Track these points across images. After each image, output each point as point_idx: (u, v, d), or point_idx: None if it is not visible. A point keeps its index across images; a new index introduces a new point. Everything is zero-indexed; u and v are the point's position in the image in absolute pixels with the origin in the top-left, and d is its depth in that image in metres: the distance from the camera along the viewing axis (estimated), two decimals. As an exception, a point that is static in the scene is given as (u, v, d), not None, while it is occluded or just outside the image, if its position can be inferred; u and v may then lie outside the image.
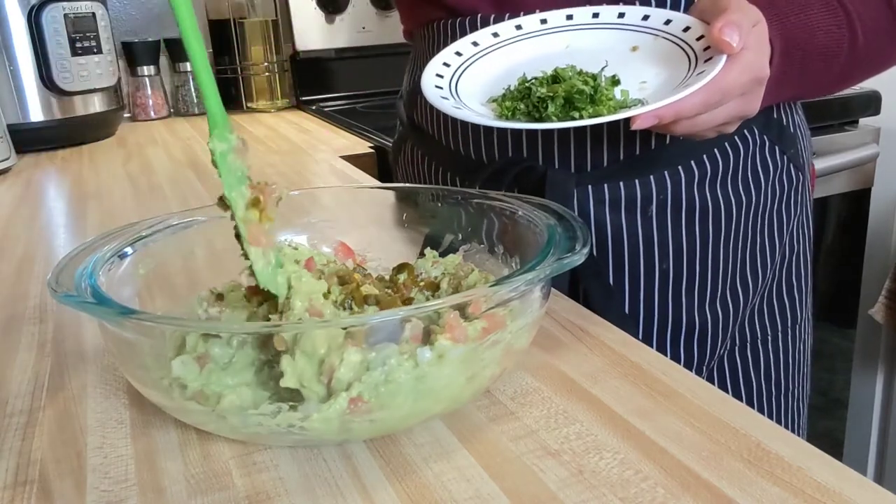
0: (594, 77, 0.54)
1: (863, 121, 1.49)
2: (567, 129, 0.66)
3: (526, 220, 0.50)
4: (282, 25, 1.72)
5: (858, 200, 1.53)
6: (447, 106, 0.53)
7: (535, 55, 0.59)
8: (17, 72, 1.31)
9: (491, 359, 0.41)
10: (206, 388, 0.40)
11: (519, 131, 0.68)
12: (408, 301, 0.50)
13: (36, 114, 1.34)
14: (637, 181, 0.68)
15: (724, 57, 0.51)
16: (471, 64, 0.59)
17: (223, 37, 1.71)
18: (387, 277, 0.53)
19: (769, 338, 0.78)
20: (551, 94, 0.53)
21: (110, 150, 1.37)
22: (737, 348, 0.76)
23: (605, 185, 0.68)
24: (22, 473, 0.41)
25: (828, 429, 1.69)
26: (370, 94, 1.78)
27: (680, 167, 0.68)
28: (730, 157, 0.69)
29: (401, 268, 0.52)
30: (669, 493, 0.36)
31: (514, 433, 0.42)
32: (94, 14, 1.37)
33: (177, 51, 1.70)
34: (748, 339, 0.77)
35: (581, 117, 0.52)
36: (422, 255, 0.55)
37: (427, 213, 0.58)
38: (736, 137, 0.69)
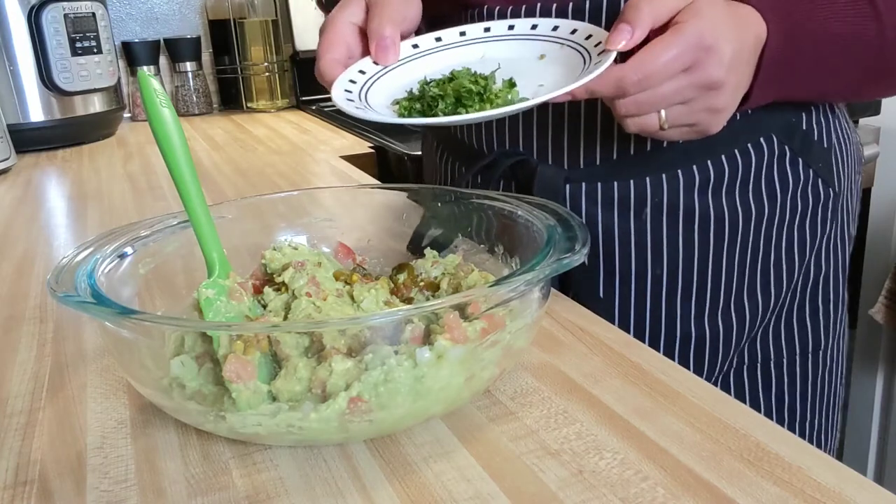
0: (485, 78, 0.56)
1: (863, 121, 1.49)
2: (560, 125, 0.67)
3: (526, 220, 0.50)
4: (282, 25, 1.72)
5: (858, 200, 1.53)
6: (350, 107, 0.55)
7: (450, 64, 0.61)
8: (17, 72, 1.31)
9: (490, 359, 0.41)
10: (204, 388, 0.40)
11: (516, 125, 0.69)
12: (408, 301, 0.50)
13: (36, 114, 1.34)
14: (632, 182, 0.66)
15: (612, 55, 0.52)
16: (389, 71, 0.60)
17: (223, 37, 1.71)
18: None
19: (785, 361, 0.73)
20: (441, 94, 0.55)
21: (110, 150, 1.37)
22: (745, 367, 0.72)
23: (599, 185, 0.67)
24: (22, 473, 0.41)
25: (828, 429, 1.69)
26: (370, 94, 1.78)
27: (680, 171, 0.66)
28: (738, 165, 0.66)
29: (401, 268, 0.52)
30: (669, 493, 0.36)
31: (514, 433, 0.42)
32: (94, 14, 1.37)
33: (177, 51, 1.70)
34: (759, 358, 0.72)
35: (467, 112, 0.54)
36: (415, 252, 0.55)
37: (427, 213, 0.58)
38: (749, 145, 0.65)
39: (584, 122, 0.66)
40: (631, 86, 0.50)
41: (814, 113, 0.68)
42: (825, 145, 0.69)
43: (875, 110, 1.47)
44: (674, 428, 0.41)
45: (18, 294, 0.67)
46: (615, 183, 0.67)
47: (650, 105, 0.52)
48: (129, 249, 0.49)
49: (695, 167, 0.66)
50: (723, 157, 0.65)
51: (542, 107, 0.67)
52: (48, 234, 0.87)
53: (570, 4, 0.63)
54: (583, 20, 0.61)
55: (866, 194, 1.53)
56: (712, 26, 0.50)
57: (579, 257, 0.42)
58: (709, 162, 0.66)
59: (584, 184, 0.68)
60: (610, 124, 0.65)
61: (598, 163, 0.67)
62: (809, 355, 0.73)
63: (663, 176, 0.66)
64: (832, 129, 0.70)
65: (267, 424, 0.38)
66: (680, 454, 0.39)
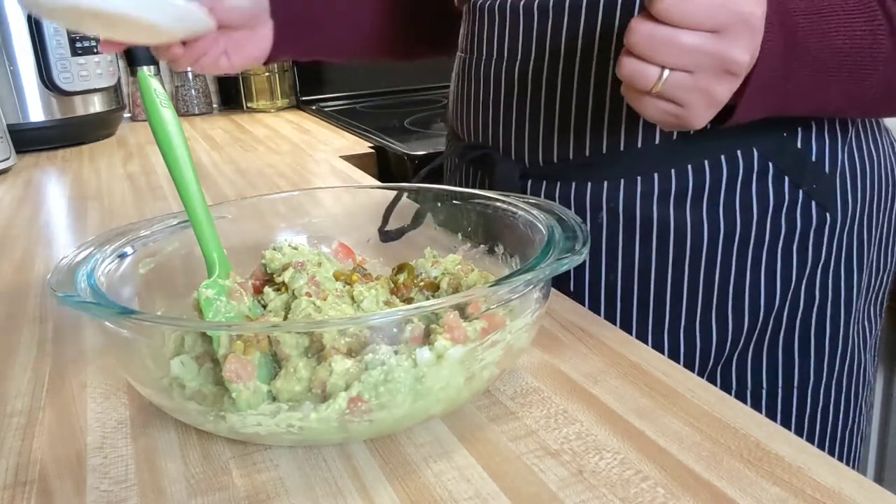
0: None
1: (863, 121, 1.49)
2: (522, 120, 0.67)
3: (526, 220, 0.50)
4: (282, 25, 1.72)
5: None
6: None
7: None
8: (17, 72, 1.31)
9: (490, 359, 0.41)
10: (204, 388, 0.40)
11: (486, 118, 0.70)
12: (408, 301, 0.50)
13: (36, 114, 1.34)
14: (589, 184, 0.64)
15: None
16: None
17: (223, 37, 1.71)
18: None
19: (763, 391, 0.68)
20: None
21: (110, 150, 1.37)
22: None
23: (558, 184, 0.66)
24: (22, 473, 0.41)
25: (828, 429, 1.69)
26: (370, 94, 1.78)
27: (639, 177, 0.63)
28: (705, 177, 0.61)
29: (401, 268, 0.52)
30: (669, 493, 0.36)
31: (514, 433, 0.42)
32: (94, 14, 1.37)
33: (177, 51, 1.70)
34: (734, 386, 0.68)
35: None
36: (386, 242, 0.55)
37: (427, 213, 0.58)
38: (722, 157, 0.61)
39: (544, 117, 0.65)
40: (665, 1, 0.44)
41: (814, 130, 0.62)
42: (827, 168, 0.63)
43: (875, 110, 1.47)
44: (674, 428, 0.41)
45: (18, 294, 0.67)
46: (573, 184, 0.66)
47: (661, 50, 0.45)
48: (129, 249, 0.49)
49: (656, 175, 0.62)
50: (689, 167, 0.61)
51: (508, 100, 0.67)
52: (48, 234, 0.87)
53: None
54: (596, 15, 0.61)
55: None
56: (755, 3, 0.46)
57: (579, 257, 0.42)
58: (672, 171, 0.62)
59: (544, 182, 0.67)
60: (567, 122, 0.64)
61: (555, 161, 0.66)
62: (794, 391, 0.68)
63: (622, 181, 0.63)
64: (839, 150, 0.63)
65: (267, 424, 0.38)
66: (680, 454, 0.39)
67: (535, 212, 0.49)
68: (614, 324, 0.65)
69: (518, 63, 0.66)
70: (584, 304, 0.67)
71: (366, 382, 0.38)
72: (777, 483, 0.36)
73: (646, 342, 0.65)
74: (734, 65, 0.46)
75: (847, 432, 0.72)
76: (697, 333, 0.66)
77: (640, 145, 0.62)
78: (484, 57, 0.70)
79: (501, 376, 0.45)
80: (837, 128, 0.63)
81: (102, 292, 0.41)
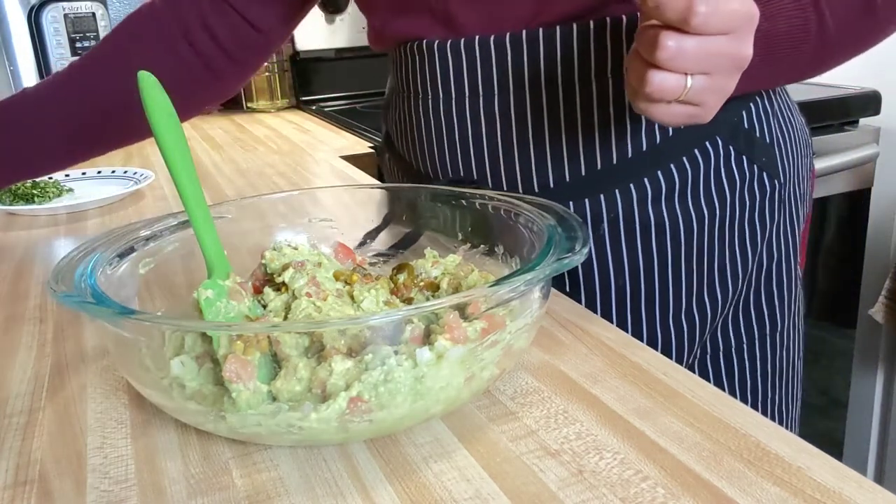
0: None
1: (863, 121, 1.49)
2: (511, 152, 0.67)
3: (526, 220, 0.50)
4: (282, 25, 1.72)
5: (858, 200, 1.53)
6: None
7: None
8: (17, 72, 1.31)
9: (490, 359, 0.41)
10: (204, 388, 0.40)
11: (467, 154, 0.69)
12: (408, 301, 0.50)
13: (36, 114, 1.34)
14: (587, 200, 0.67)
15: None
16: None
17: (223, 37, 1.71)
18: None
19: (745, 346, 0.75)
20: None
21: (110, 150, 1.37)
22: (708, 357, 0.74)
23: None
24: (22, 473, 0.41)
25: (827, 429, 1.69)
26: (370, 94, 1.78)
27: (631, 185, 0.66)
28: (687, 173, 0.67)
29: (401, 268, 0.52)
30: (669, 493, 0.36)
31: (514, 433, 0.42)
32: (94, 14, 1.37)
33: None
34: (721, 347, 0.74)
35: None
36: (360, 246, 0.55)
37: (427, 213, 0.58)
38: (696, 151, 0.66)
39: (534, 145, 0.66)
40: (698, 14, 0.44)
41: (754, 109, 0.69)
42: (767, 140, 0.70)
43: (875, 110, 1.47)
44: (674, 428, 0.41)
45: (18, 294, 0.67)
46: (571, 203, 0.67)
47: (689, 59, 0.47)
48: (129, 249, 0.49)
49: (646, 179, 0.66)
50: (672, 166, 0.66)
51: (492, 133, 0.67)
52: (48, 235, 0.87)
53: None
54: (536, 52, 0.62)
55: (866, 194, 1.53)
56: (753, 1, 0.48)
57: (580, 257, 0.42)
58: (659, 173, 0.66)
59: None
60: (559, 147, 0.66)
61: (552, 185, 0.67)
62: (767, 338, 0.76)
63: (616, 191, 0.67)
64: (773, 122, 0.71)
65: (267, 424, 0.38)
66: (680, 454, 0.39)
67: (535, 212, 0.49)
68: (625, 324, 0.70)
69: (497, 97, 0.66)
70: (596, 312, 0.69)
71: (366, 382, 0.38)
72: (777, 483, 0.36)
73: (655, 333, 0.71)
74: (745, 61, 0.49)
75: (798, 360, 0.81)
76: (695, 312, 0.71)
77: (630, 155, 0.65)
78: (454, 95, 0.69)
79: (501, 376, 0.45)
80: (767, 104, 0.71)
81: (102, 292, 0.41)
